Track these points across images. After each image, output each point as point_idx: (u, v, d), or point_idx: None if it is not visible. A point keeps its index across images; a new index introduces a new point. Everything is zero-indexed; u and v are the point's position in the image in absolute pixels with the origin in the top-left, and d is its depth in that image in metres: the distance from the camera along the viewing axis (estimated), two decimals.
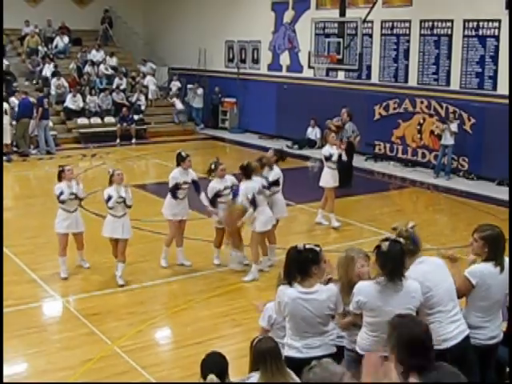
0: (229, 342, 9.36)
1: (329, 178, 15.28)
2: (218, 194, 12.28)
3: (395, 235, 6.43)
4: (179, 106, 30.35)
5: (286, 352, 6.37)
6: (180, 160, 12.34)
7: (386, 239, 6.16)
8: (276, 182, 12.81)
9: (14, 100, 25.03)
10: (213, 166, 12.40)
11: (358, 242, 13.93)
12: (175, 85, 31.26)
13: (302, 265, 6.39)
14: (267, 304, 7.12)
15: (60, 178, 12.04)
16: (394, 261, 6.06)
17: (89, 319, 10.47)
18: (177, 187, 12.28)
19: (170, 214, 12.52)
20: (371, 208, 17.43)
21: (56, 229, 11.99)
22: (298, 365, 5.33)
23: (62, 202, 11.85)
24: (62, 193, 11.82)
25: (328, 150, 15.29)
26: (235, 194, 12.23)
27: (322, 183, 15.46)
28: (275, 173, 12.84)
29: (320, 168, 22.02)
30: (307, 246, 6.43)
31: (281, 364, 5.55)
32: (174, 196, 12.34)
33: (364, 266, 6.51)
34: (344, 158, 15.58)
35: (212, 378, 5.21)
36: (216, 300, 11.32)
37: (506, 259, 6.66)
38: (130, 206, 11.87)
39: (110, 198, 11.60)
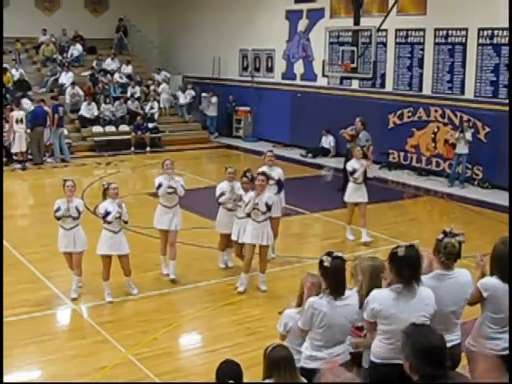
0: (243, 351, 9.32)
1: (351, 193, 14.93)
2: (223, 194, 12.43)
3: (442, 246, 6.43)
4: (182, 99, 30.42)
5: (310, 364, 6.34)
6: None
7: (398, 247, 6.12)
8: None
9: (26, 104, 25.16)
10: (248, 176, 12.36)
11: (371, 250, 13.93)
12: (189, 93, 31.34)
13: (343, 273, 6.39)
14: (285, 311, 7.11)
15: (105, 196, 11.49)
16: (411, 266, 6.03)
17: (103, 327, 10.49)
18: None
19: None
20: (385, 217, 17.39)
21: (97, 250, 11.47)
22: None
23: (110, 222, 11.28)
24: (108, 213, 11.26)
25: (352, 164, 14.86)
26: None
27: (345, 197, 15.18)
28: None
29: (334, 176, 22.14)
30: (339, 254, 6.42)
31: (294, 372, 5.55)
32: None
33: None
34: (369, 174, 15.28)
35: None
36: (230, 308, 11.32)
37: None
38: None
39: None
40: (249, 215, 11.60)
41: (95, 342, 10.09)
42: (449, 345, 6.29)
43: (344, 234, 15.22)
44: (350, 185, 14.96)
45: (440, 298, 6.31)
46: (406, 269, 6.02)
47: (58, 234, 11.51)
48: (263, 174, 11.99)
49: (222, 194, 12.38)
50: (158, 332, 10.33)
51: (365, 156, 15.15)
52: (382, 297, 6.13)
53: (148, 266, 13.02)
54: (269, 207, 11.54)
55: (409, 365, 4.64)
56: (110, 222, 11.26)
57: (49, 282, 12.13)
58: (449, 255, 6.44)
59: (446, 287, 6.44)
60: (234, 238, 12.28)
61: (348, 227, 15.19)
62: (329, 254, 6.32)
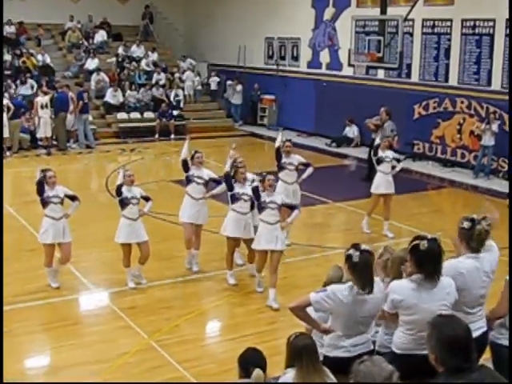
0: (264, 339, 9.29)
1: (379, 184, 14.76)
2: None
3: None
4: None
5: (332, 352, 6.28)
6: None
7: (422, 237, 6.03)
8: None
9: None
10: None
11: (395, 241, 13.87)
12: (214, 80, 31.36)
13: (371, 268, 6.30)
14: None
15: (121, 184, 11.44)
16: (433, 260, 5.96)
17: (125, 313, 10.53)
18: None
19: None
20: (409, 208, 17.32)
21: (116, 238, 11.47)
22: (345, 364, 5.20)
23: (126, 204, 11.31)
24: (123, 196, 11.34)
25: (379, 155, 14.79)
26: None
27: (371, 188, 14.97)
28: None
29: (358, 166, 22.07)
30: (367, 248, 6.30)
31: (316, 361, 5.52)
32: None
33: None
34: (398, 167, 14.98)
35: (260, 374, 5.23)
36: (252, 296, 11.31)
37: None
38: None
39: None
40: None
41: (117, 327, 10.13)
42: (479, 332, 6.28)
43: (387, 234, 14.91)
44: (378, 175, 14.88)
45: (472, 282, 6.31)
46: (427, 263, 5.95)
47: (79, 219, 11.48)
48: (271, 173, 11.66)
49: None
50: (180, 319, 10.36)
51: (390, 146, 15.07)
52: (402, 287, 6.08)
53: (170, 253, 13.05)
54: (287, 205, 11.23)
55: (434, 357, 4.58)
56: (126, 205, 11.27)
57: (72, 267, 12.16)
58: (481, 241, 6.42)
59: (477, 270, 6.41)
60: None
61: (366, 218, 14.93)
62: (356, 247, 6.16)
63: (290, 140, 14.14)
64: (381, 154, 14.80)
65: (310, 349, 5.50)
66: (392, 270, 6.59)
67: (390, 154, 14.87)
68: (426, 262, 5.96)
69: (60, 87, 25.18)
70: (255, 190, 11.08)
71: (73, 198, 11.50)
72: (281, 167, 13.63)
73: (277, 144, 13.78)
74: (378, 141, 15.25)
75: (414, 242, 6.01)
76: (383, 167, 14.74)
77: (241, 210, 11.41)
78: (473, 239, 6.40)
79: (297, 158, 13.82)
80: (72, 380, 8.54)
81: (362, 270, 6.12)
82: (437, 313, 5.24)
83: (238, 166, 11.65)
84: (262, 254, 11.05)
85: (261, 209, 10.90)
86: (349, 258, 6.15)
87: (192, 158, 12.28)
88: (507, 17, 20.08)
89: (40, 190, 11.16)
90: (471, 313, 6.38)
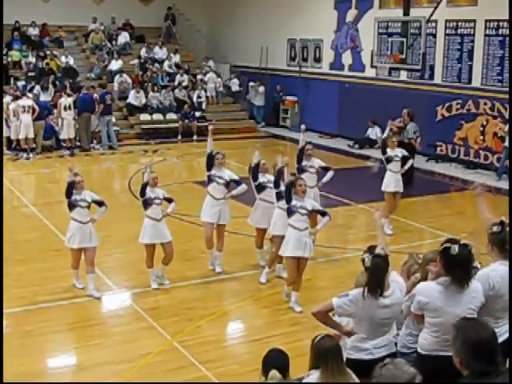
0: (287, 340, 9.28)
1: (389, 182, 14.88)
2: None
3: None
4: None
5: (354, 355, 6.29)
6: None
7: (454, 241, 6.02)
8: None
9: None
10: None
11: (417, 243, 13.88)
12: (234, 82, 31.46)
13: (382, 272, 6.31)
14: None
15: (146, 183, 11.47)
16: (463, 266, 5.94)
17: (148, 313, 10.57)
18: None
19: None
20: (431, 209, 17.28)
21: (140, 239, 11.52)
22: (368, 367, 5.20)
23: (149, 204, 11.35)
24: (146, 197, 11.37)
25: (388, 154, 14.84)
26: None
27: (382, 187, 15.04)
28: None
29: (380, 168, 22.01)
30: (380, 252, 6.31)
31: (341, 363, 5.54)
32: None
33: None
34: (407, 166, 14.96)
35: (275, 373, 5.24)
36: (274, 298, 11.30)
37: None
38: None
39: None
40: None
41: (140, 328, 10.17)
42: (506, 336, 6.23)
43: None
44: (388, 174, 14.90)
45: (505, 290, 6.21)
46: (456, 268, 5.93)
47: (101, 220, 11.50)
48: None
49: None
50: (202, 320, 10.39)
51: (413, 148, 15.05)
52: (428, 290, 6.07)
53: (193, 254, 13.10)
54: (318, 211, 11.10)
55: (459, 360, 4.57)
56: (149, 205, 11.29)
57: (96, 268, 12.18)
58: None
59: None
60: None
61: (386, 221, 14.58)
62: (370, 251, 6.19)
63: (310, 143, 14.11)
64: (390, 153, 14.83)
65: (335, 351, 5.53)
66: (420, 271, 6.58)
67: (399, 152, 14.91)
68: (454, 266, 5.94)
69: (87, 89, 25.25)
70: (287, 191, 10.83)
71: (100, 204, 11.50)
72: (301, 170, 13.50)
73: (301, 144, 13.72)
74: (384, 135, 15.30)
75: (446, 245, 5.99)
76: (392, 166, 14.79)
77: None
78: (505, 241, 6.33)
79: (317, 162, 13.74)
80: (94, 380, 8.60)
81: (372, 273, 6.17)
82: (462, 316, 5.23)
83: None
84: (290, 261, 10.79)
85: (290, 213, 10.67)
86: (363, 261, 6.23)
87: (213, 158, 12.32)
88: None
89: (69, 192, 11.17)
90: (500, 317, 6.31)
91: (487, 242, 6.48)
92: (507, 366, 5.32)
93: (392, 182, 14.79)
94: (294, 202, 10.64)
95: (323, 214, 11.01)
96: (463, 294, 5.98)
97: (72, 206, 11.15)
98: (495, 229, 6.40)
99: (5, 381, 7.10)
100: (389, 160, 14.84)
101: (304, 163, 13.50)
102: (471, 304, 5.99)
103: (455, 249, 5.90)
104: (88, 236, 11.17)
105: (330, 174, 13.65)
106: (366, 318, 6.22)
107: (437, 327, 6.01)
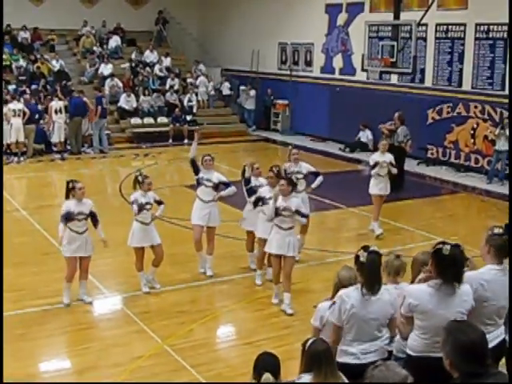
0: (278, 344, 9.27)
1: (373, 185, 14.92)
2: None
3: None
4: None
5: (341, 358, 6.31)
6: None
7: (446, 243, 6.02)
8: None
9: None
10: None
11: (408, 246, 13.88)
12: (225, 86, 31.47)
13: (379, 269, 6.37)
14: (319, 304, 7.07)
15: (135, 187, 11.46)
16: (455, 266, 5.93)
17: (139, 317, 10.55)
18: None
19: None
20: (422, 213, 17.30)
21: (129, 243, 11.48)
22: (355, 371, 5.22)
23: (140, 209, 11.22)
24: (136, 202, 11.26)
25: (374, 158, 14.91)
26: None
27: (369, 190, 15.10)
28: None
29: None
30: (375, 249, 6.38)
31: (334, 366, 5.56)
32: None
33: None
34: (393, 171, 14.93)
35: (268, 376, 5.24)
36: (265, 301, 11.28)
37: None
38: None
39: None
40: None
41: (131, 331, 10.16)
42: (497, 341, 6.24)
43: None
44: (374, 177, 14.90)
45: (493, 294, 6.22)
46: (448, 269, 5.93)
47: (102, 225, 11.47)
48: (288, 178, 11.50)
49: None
50: (194, 323, 10.38)
51: (404, 151, 15.05)
52: (419, 292, 6.07)
53: (184, 258, 13.07)
54: (301, 214, 10.93)
55: (449, 362, 4.57)
56: (140, 211, 11.20)
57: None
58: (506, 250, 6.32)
59: (501, 282, 6.30)
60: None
61: (373, 222, 14.95)
62: (365, 248, 6.29)
63: (295, 147, 14.01)
64: (378, 158, 14.83)
65: (328, 354, 5.54)
66: (412, 271, 6.60)
67: (387, 158, 14.89)
68: (447, 267, 5.93)
69: (77, 93, 25.22)
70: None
71: (94, 219, 11.18)
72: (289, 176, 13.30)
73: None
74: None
75: (438, 246, 6.00)
76: (379, 170, 14.76)
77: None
78: (504, 247, 6.29)
79: (305, 167, 13.48)
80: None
81: (368, 269, 6.22)
82: (451, 319, 5.24)
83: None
84: (274, 260, 10.97)
85: (276, 214, 10.68)
86: (357, 258, 6.28)
87: (201, 161, 12.33)
88: None
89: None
90: (490, 324, 6.30)
91: (484, 243, 6.43)
92: (498, 368, 5.34)
93: (378, 184, 14.83)
94: (279, 204, 10.63)
95: (303, 215, 11.04)
96: (454, 297, 5.97)
97: (69, 219, 10.83)
98: (496, 231, 6.39)
99: (5, 381, 7.10)
100: (375, 165, 14.81)
101: (291, 169, 13.26)
102: (461, 307, 5.98)
103: (447, 249, 5.91)
104: (84, 245, 10.95)
105: (319, 180, 13.43)
106: (355, 316, 6.25)
107: (426, 329, 6.01)
